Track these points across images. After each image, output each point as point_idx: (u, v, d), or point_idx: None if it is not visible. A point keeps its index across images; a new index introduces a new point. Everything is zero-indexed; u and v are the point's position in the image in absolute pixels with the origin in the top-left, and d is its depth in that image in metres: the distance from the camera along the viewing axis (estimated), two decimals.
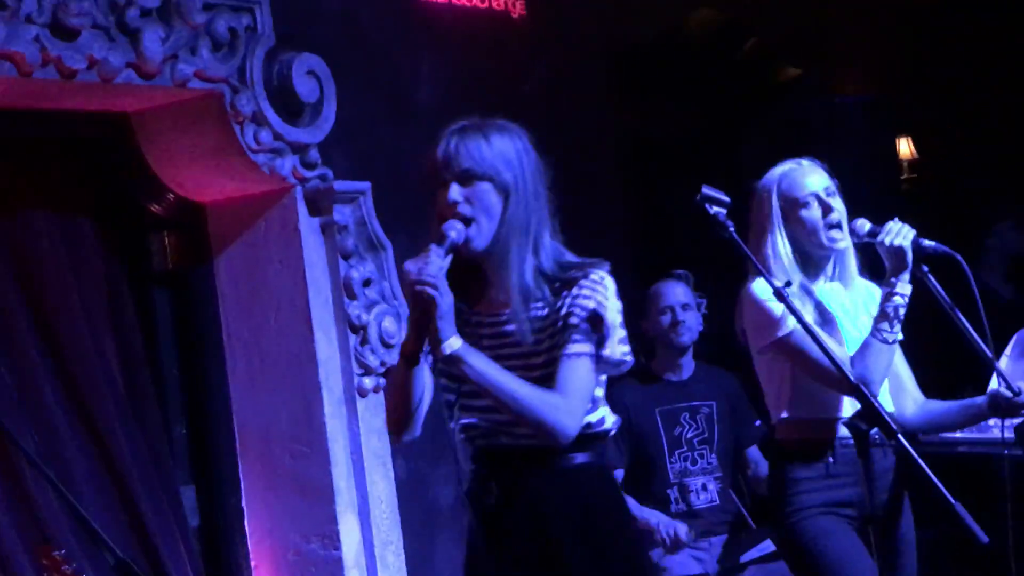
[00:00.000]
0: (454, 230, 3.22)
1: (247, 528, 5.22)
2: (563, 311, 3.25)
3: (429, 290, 3.12)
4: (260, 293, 5.18)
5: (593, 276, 3.27)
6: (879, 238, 4.04)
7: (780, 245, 4.07)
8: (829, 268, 4.15)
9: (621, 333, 3.31)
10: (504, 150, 3.29)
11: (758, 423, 5.60)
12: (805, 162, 4.22)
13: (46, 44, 4.42)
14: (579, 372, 3.23)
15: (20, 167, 4.89)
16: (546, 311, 3.28)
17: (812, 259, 4.13)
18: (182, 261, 5.30)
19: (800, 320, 3.63)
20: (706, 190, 3.64)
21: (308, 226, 5.16)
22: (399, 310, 5.32)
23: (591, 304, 3.24)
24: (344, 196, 5.21)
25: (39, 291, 4.85)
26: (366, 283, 5.24)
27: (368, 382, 5.21)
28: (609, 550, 3.27)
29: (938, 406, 4.24)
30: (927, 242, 4.04)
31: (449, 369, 3.23)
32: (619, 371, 3.36)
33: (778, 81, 7.23)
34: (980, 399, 4.14)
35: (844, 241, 4.11)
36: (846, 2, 7.16)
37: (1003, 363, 4.53)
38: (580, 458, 3.29)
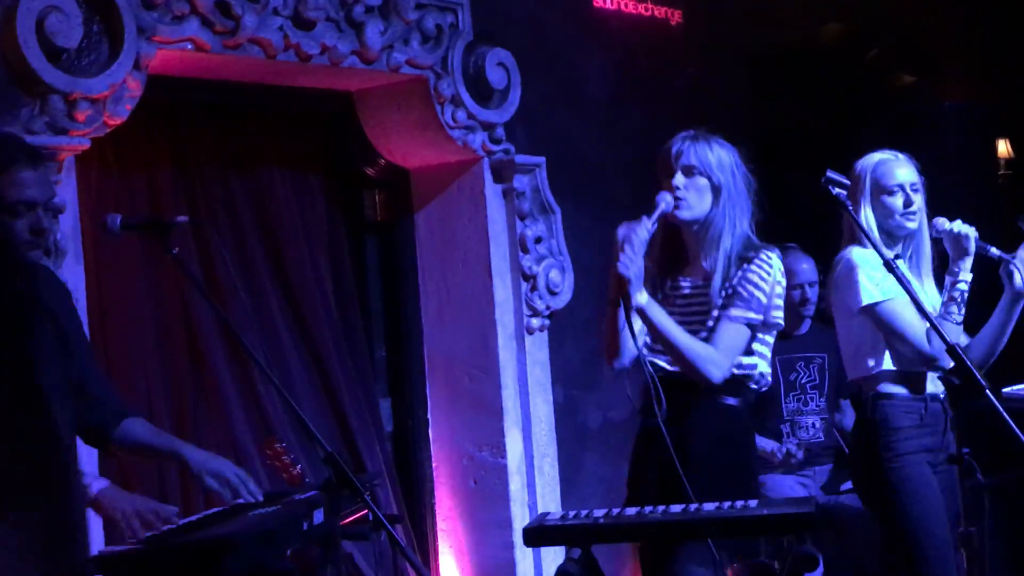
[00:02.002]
0: (664, 201, 3.46)
1: (431, 436, 5.25)
2: (735, 280, 3.44)
3: (625, 258, 3.33)
4: (450, 244, 5.19)
5: (763, 255, 3.47)
6: (946, 227, 3.90)
7: (866, 219, 3.93)
8: (905, 252, 3.99)
9: (778, 302, 3.49)
10: (721, 158, 3.52)
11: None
12: (901, 156, 4.05)
13: (288, 32, 4.46)
14: (732, 331, 3.41)
15: (263, 134, 4.96)
16: (725, 282, 3.46)
17: (890, 237, 3.98)
18: (389, 215, 5.33)
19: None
20: (831, 174, 3.54)
21: (492, 191, 5.15)
22: (564, 264, 5.29)
23: (755, 278, 3.43)
24: (523, 167, 5.18)
25: (275, 235, 4.92)
26: (537, 240, 5.22)
27: (535, 322, 5.20)
28: (727, 477, 3.37)
29: (980, 333, 4.01)
30: (993, 249, 3.90)
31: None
32: (771, 332, 3.53)
33: (894, 87, 7.00)
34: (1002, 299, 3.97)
35: (914, 223, 3.95)
36: (955, 19, 6.91)
37: None
38: (728, 400, 3.44)
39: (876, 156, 4.05)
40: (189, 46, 4.24)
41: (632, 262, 3.34)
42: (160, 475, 4.39)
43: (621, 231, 3.40)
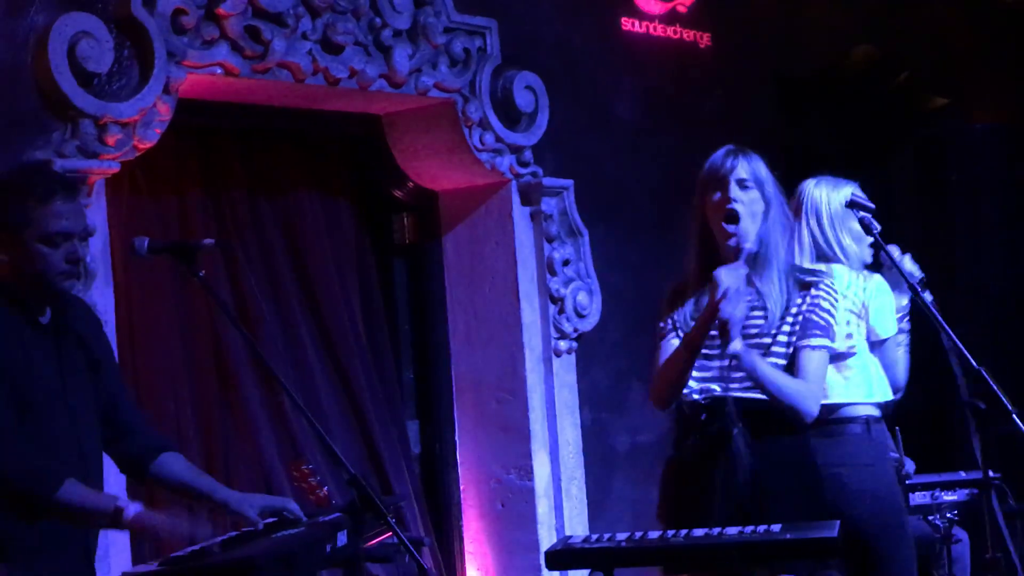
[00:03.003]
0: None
1: (458, 458, 5.25)
2: (804, 308, 3.34)
3: (729, 304, 3.23)
4: (478, 266, 5.19)
5: (826, 282, 3.40)
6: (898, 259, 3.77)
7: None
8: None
9: (846, 329, 3.49)
10: (766, 172, 3.44)
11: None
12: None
13: (317, 57, 4.50)
14: (818, 362, 3.33)
15: (292, 157, 4.99)
16: (788, 306, 3.36)
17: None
18: (417, 237, 5.35)
19: (935, 317, 3.42)
20: (855, 196, 3.53)
21: (520, 213, 5.15)
22: (591, 287, 5.28)
23: (826, 304, 3.36)
24: (551, 190, 5.19)
25: (303, 257, 4.94)
26: (565, 263, 5.22)
27: (563, 344, 5.19)
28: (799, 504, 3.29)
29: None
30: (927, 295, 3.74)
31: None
32: (843, 359, 3.53)
33: (925, 109, 6.97)
34: None
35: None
36: (985, 41, 6.88)
37: None
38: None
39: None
40: (219, 70, 4.27)
41: (735, 307, 3.23)
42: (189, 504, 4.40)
43: (722, 276, 3.28)
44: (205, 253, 3.19)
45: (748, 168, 3.39)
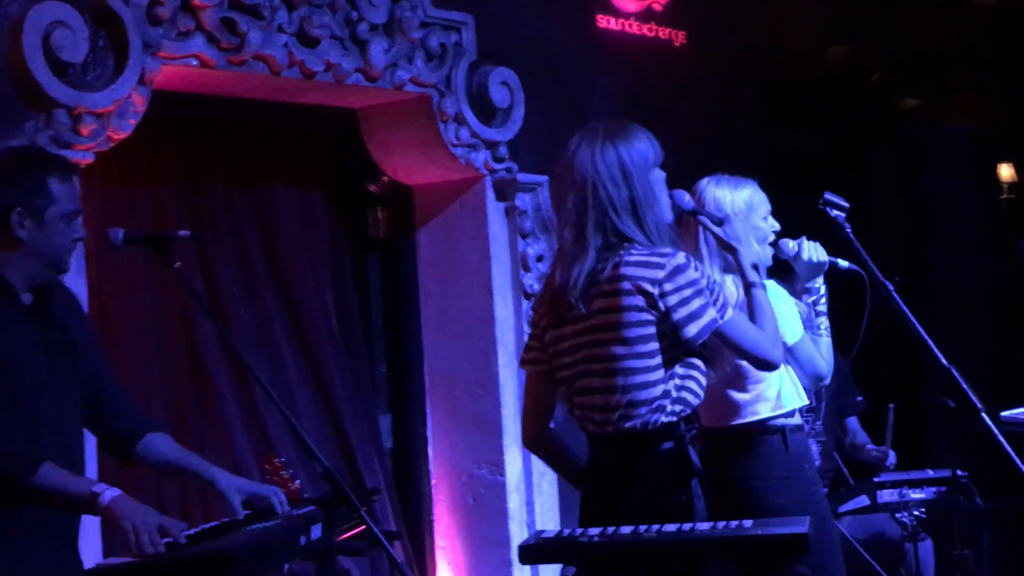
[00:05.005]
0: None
1: (430, 453, 5.27)
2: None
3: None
4: (452, 261, 5.21)
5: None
6: (794, 250, 3.71)
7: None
8: None
9: None
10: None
11: (860, 398, 5.45)
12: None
13: (293, 49, 4.50)
14: (745, 321, 3.17)
15: (267, 150, 4.99)
16: None
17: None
18: (391, 232, 5.36)
19: (909, 316, 3.41)
20: (828, 196, 3.53)
21: (494, 209, 5.17)
22: None
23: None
24: (525, 186, 5.21)
25: (277, 250, 4.94)
26: (539, 259, 5.24)
27: None
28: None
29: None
30: (841, 261, 3.71)
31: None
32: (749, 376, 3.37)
33: (898, 110, 7.03)
34: None
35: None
36: (959, 45, 6.94)
37: None
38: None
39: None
40: (194, 62, 4.27)
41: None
42: (159, 491, 4.40)
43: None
44: (180, 245, 3.20)
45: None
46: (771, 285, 3.57)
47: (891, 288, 3.50)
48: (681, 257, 3.01)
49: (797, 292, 3.75)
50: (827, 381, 3.73)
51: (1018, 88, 7.00)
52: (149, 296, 4.57)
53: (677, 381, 3.03)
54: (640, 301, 2.98)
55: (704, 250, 3.54)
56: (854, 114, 6.80)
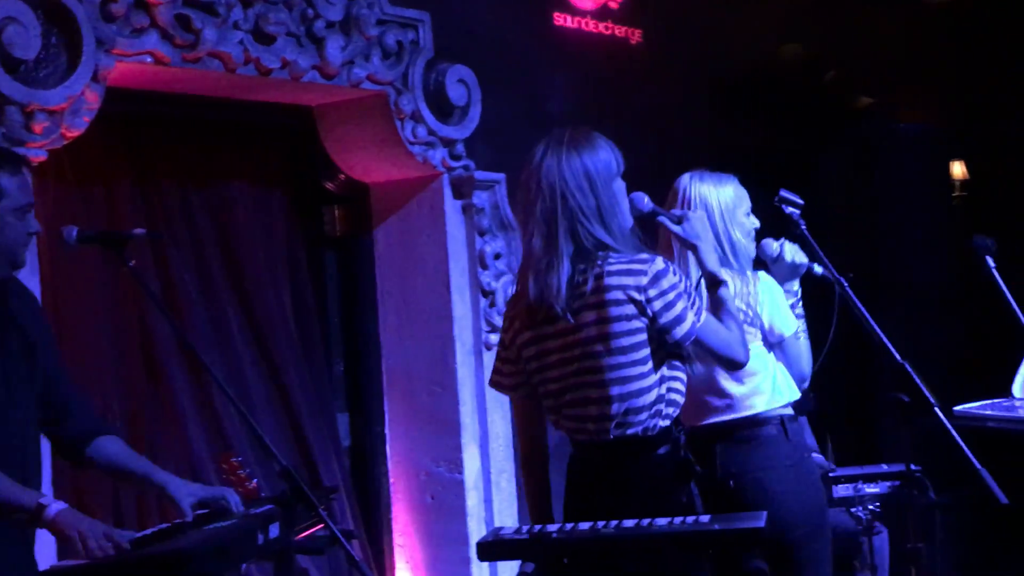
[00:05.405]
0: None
1: (388, 451, 5.26)
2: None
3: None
4: (410, 259, 5.21)
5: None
6: (776, 251, 3.73)
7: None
8: None
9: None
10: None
11: (812, 394, 5.48)
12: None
13: (248, 47, 4.48)
14: (715, 323, 3.19)
15: (223, 148, 4.97)
16: None
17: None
18: (348, 230, 5.35)
19: (863, 312, 3.43)
20: (784, 193, 3.56)
21: (452, 207, 5.17)
22: None
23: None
24: (483, 184, 5.21)
25: (234, 249, 4.92)
26: (496, 256, 5.25)
27: (493, 338, 5.21)
28: None
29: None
30: (817, 268, 3.71)
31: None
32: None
33: (852, 108, 7.09)
34: None
35: None
36: (912, 43, 7.02)
37: (1018, 384, 4.30)
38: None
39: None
40: (148, 59, 4.24)
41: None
42: (115, 496, 4.37)
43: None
44: (135, 243, 3.18)
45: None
46: (765, 277, 3.63)
47: (845, 284, 3.54)
48: (660, 262, 3.06)
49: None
50: (807, 384, 3.76)
51: (970, 86, 7.08)
52: (104, 295, 4.53)
53: (667, 384, 3.07)
54: (631, 309, 3.02)
55: (676, 250, 3.55)
56: (809, 112, 6.85)
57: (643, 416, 3.03)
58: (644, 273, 3.02)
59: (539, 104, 5.61)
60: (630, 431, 3.03)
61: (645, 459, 3.04)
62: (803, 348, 3.73)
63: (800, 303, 3.78)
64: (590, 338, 3.03)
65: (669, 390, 3.07)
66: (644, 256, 3.06)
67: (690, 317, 3.04)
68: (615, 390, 3.03)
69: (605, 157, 3.12)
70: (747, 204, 3.72)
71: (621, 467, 3.05)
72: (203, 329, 4.74)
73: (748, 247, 3.67)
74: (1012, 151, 7.09)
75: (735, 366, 3.20)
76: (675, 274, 3.07)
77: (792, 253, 3.73)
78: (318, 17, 4.66)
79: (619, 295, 3.01)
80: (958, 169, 7.27)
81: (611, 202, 3.08)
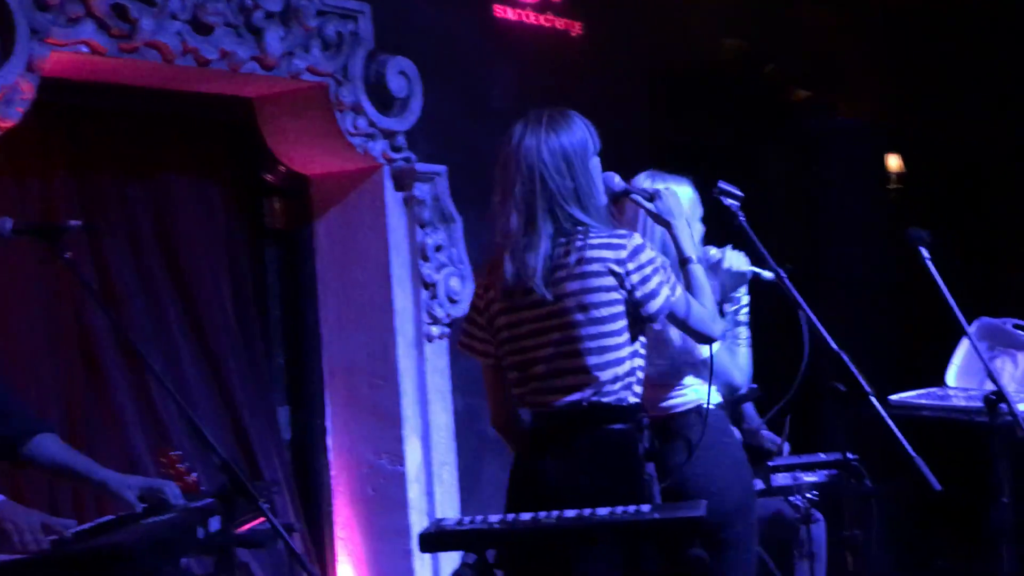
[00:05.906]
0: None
1: (329, 444, 5.24)
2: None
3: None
4: (351, 252, 5.19)
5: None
6: (718, 258, 3.73)
7: None
8: None
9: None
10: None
11: (754, 385, 5.53)
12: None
13: (186, 37, 4.44)
14: (688, 299, 3.31)
15: (161, 139, 4.92)
16: None
17: None
18: (289, 222, 5.32)
19: (803, 306, 3.46)
20: (722, 184, 3.59)
21: (393, 199, 5.16)
22: (464, 272, 5.32)
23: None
24: (424, 176, 5.21)
25: (173, 241, 4.88)
26: (438, 248, 5.25)
27: (435, 330, 5.22)
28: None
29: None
30: (765, 274, 3.68)
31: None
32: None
33: (790, 101, 7.17)
34: None
35: None
36: (849, 37, 7.10)
37: (952, 373, 4.36)
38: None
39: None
40: (84, 49, 4.19)
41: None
42: (51, 489, 4.33)
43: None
44: (71, 235, 3.14)
45: None
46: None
47: (783, 276, 3.57)
48: (638, 238, 3.20)
49: (718, 302, 3.69)
50: (743, 390, 3.80)
51: (907, 80, 7.18)
52: (39, 288, 4.48)
53: (639, 359, 3.18)
54: (610, 281, 3.11)
55: (640, 230, 3.56)
56: (747, 105, 6.91)
57: (618, 386, 3.11)
58: (623, 247, 3.13)
59: (480, 96, 5.61)
60: (604, 399, 3.10)
61: (620, 430, 3.10)
62: (740, 357, 3.72)
63: (746, 309, 3.79)
64: (569, 308, 3.12)
65: (639, 368, 3.18)
66: (622, 232, 3.19)
67: (664, 291, 3.15)
68: (591, 359, 3.11)
69: (582, 137, 3.24)
70: (700, 210, 3.74)
71: (593, 434, 3.10)
72: (141, 322, 4.70)
73: (698, 250, 3.63)
74: (947, 145, 7.20)
75: (708, 340, 3.32)
76: (652, 250, 3.20)
77: (731, 260, 3.74)
78: (257, 8, 4.63)
79: (599, 267, 3.11)
80: (894, 162, 7.37)
81: (588, 182, 3.18)
